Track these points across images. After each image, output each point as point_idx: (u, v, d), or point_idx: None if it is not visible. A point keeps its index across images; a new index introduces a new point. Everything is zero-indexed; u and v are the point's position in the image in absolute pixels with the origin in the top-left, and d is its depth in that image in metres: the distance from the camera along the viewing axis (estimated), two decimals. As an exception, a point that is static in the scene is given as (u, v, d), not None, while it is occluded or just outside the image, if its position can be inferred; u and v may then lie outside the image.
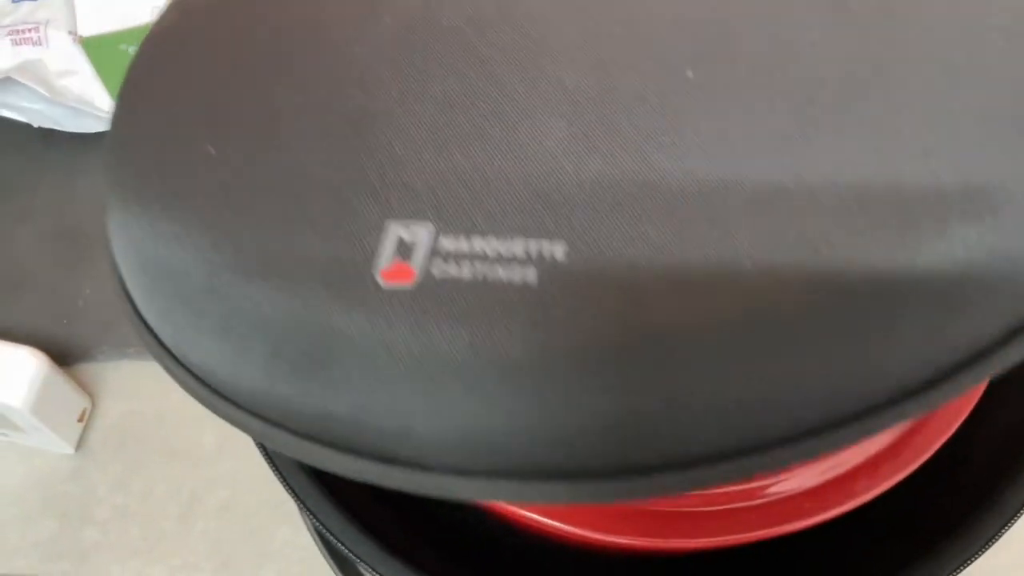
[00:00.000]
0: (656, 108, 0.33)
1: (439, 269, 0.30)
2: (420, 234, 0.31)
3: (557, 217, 0.31)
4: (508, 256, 0.30)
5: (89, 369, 0.59)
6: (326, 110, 0.35)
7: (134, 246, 0.35)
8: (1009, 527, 0.40)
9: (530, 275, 0.30)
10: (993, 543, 0.40)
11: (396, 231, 0.31)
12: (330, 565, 0.51)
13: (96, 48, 0.55)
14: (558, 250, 0.30)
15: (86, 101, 0.60)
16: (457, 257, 0.31)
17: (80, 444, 0.57)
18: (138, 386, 0.58)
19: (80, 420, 0.57)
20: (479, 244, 0.31)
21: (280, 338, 0.32)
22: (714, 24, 0.36)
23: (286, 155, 0.34)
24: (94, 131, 0.62)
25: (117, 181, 0.36)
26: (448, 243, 0.31)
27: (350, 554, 0.43)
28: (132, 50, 0.55)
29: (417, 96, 0.34)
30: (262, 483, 0.56)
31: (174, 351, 0.34)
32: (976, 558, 0.40)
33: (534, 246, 0.30)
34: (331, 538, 0.43)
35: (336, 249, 0.31)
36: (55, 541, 0.56)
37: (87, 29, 0.54)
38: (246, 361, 0.32)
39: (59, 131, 0.62)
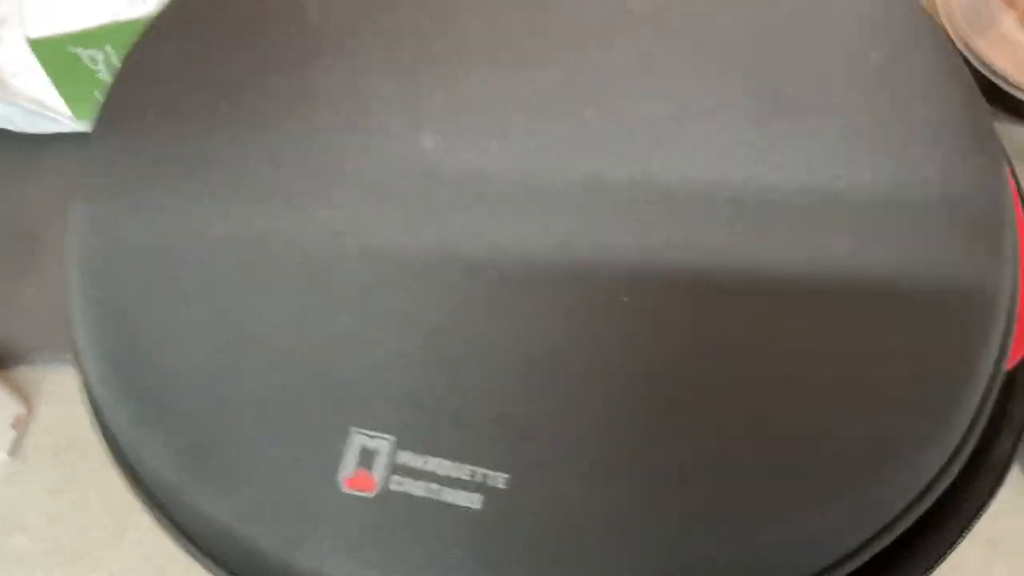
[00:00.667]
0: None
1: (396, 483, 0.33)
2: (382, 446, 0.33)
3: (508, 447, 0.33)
4: (456, 479, 0.32)
5: (26, 373, 0.58)
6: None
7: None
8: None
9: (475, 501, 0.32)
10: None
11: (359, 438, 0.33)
12: None
13: (45, 50, 0.54)
14: (500, 480, 0.32)
15: (39, 101, 0.59)
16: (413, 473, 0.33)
17: (14, 450, 0.56)
18: (76, 392, 0.57)
19: (14, 426, 0.56)
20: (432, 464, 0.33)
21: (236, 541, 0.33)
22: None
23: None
24: (48, 132, 0.61)
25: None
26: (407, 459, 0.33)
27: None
28: (82, 52, 0.55)
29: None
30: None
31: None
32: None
33: (480, 473, 0.33)
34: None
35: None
36: (-18, 547, 0.55)
37: (36, 31, 0.54)
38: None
39: (12, 131, 0.61)
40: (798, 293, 0.34)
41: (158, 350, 0.35)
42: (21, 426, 0.56)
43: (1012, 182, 0.44)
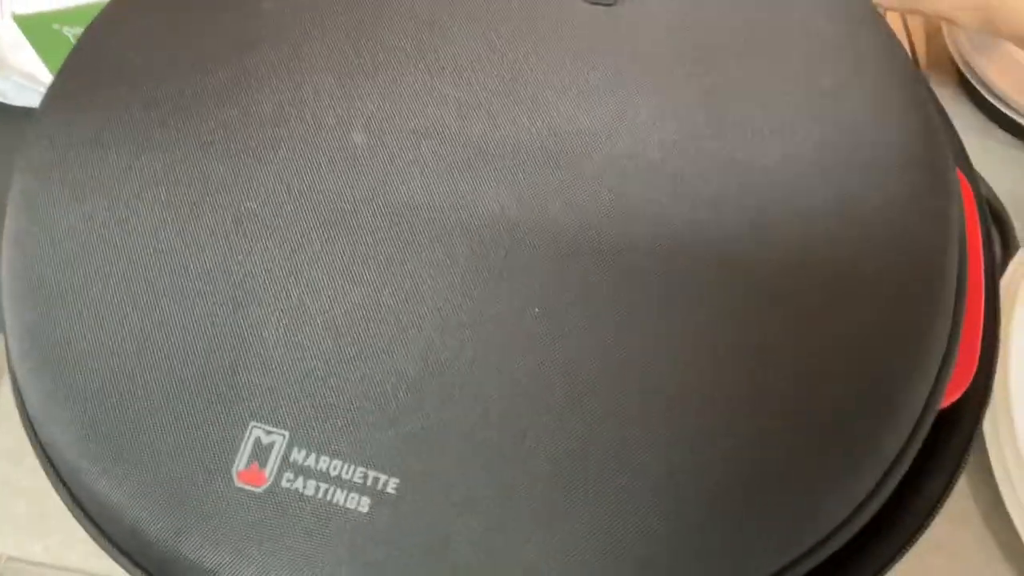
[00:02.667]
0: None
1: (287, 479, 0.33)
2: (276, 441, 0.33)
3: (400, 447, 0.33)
4: (347, 481, 0.32)
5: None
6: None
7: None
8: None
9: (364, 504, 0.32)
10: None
11: (256, 433, 0.33)
12: None
13: (30, 26, 0.55)
14: (391, 486, 0.32)
15: (31, 75, 0.60)
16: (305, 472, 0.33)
17: (-21, 414, 0.57)
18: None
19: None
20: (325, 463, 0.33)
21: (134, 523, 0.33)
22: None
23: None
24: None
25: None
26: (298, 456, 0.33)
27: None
28: (67, 31, 0.56)
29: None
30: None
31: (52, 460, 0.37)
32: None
33: (372, 477, 0.32)
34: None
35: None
36: (-63, 509, 0.56)
37: (21, 7, 0.54)
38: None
39: (4, 103, 0.62)
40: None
41: (75, 328, 0.35)
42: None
43: (973, 207, 0.43)
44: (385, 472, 0.32)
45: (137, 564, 0.35)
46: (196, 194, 0.37)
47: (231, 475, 0.33)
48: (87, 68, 0.40)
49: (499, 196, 0.35)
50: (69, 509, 0.36)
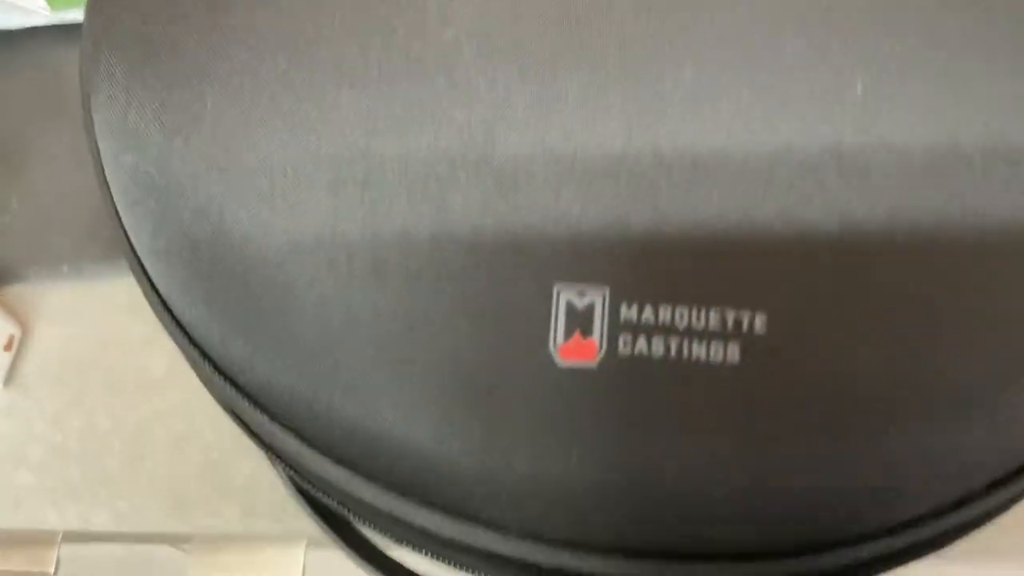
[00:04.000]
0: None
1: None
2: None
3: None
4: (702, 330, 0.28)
5: (18, 292, 0.52)
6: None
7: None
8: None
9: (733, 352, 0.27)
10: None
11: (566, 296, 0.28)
12: (305, 509, 0.46)
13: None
14: (758, 323, 0.27)
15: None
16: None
17: (10, 377, 0.51)
18: (76, 309, 0.52)
19: (7, 348, 0.50)
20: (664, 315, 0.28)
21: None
22: None
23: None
24: (20, 27, 0.55)
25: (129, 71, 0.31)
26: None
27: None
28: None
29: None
30: (221, 413, 0.50)
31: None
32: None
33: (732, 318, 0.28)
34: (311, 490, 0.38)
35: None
36: (-18, 485, 0.49)
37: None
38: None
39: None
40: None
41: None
42: (14, 348, 0.50)
43: None
44: (747, 307, 0.28)
45: (428, 503, 0.30)
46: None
47: (550, 354, 0.28)
48: None
49: None
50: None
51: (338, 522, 0.45)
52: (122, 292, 0.52)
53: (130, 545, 0.51)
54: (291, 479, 0.42)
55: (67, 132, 0.54)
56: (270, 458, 0.37)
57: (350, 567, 0.59)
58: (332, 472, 0.31)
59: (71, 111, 0.55)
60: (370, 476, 0.30)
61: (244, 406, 0.31)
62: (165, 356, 0.51)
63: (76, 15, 0.54)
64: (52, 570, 0.54)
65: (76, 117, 0.53)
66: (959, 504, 0.31)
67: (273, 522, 0.48)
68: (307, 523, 0.48)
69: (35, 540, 0.53)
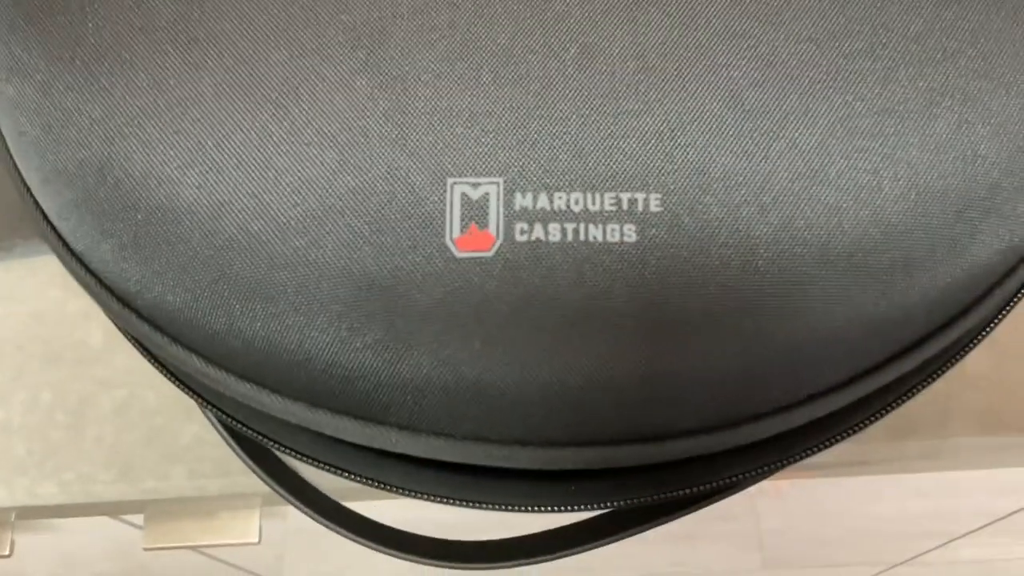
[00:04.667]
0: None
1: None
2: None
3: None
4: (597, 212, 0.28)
5: (-52, 274, 0.52)
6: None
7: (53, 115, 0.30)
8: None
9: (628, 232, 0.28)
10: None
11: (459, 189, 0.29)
12: (243, 459, 0.46)
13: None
14: (653, 202, 0.28)
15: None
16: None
17: (-54, 358, 0.51)
18: (10, 287, 0.52)
19: (-58, 329, 0.50)
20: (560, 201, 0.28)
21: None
22: None
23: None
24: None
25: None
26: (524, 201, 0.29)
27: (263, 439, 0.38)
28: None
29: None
30: (161, 377, 0.50)
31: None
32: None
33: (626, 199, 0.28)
34: (242, 428, 0.38)
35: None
36: (-74, 468, 0.49)
37: None
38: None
39: None
40: None
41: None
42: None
43: None
44: (640, 189, 0.28)
45: (337, 409, 0.31)
46: None
47: (447, 246, 0.29)
48: None
49: None
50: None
51: (272, 464, 0.45)
52: (55, 267, 0.52)
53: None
54: (218, 419, 0.42)
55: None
56: (194, 399, 0.37)
57: (306, 525, 0.59)
58: (238, 388, 0.31)
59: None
60: (276, 388, 0.31)
61: (144, 330, 0.31)
62: (101, 328, 0.51)
63: None
64: (8, 551, 0.54)
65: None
66: (861, 376, 0.31)
67: (221, 481, 0.48)
68: (255, 480, 0.48)
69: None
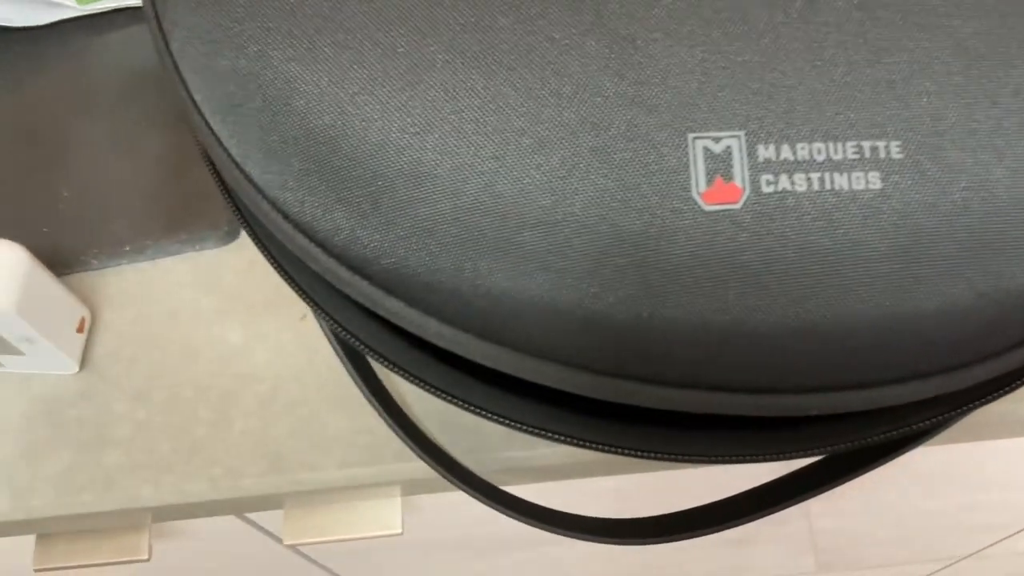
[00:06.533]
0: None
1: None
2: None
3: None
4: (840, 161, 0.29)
5: (83, 278, 0.53)
6: None
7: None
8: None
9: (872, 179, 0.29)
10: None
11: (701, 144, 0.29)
12: (360, 387, 0.46)
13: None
14: (894, 149, 0.29)
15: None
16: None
17: (85, 361, 0.51)
18: (143, 288, 0.52)
19: (79, 330, 0.50)
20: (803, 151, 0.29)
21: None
22: None
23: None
24: (46, 22, 0.55)
25: None
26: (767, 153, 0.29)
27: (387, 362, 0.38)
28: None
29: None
30: (304, 368, 0.50)
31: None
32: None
33: (868, 147, 0.29)
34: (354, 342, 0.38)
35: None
36: (72, 472, 0.49)
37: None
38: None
39: (7, 28, 0.55)
40: None
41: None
42: (86, 330, 0.51)
43: None
44: (880, 138, 0.29)
45: (576, 365, 0.31)
46: None
47: (694, 199, 0.29)
48: None
49: None
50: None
51: (428, 445, 0.45)
52: (185, 267, 0.52)
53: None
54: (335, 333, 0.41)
55: (100, 121, 0.54)
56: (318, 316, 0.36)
57: (444, 508, 0.60)
58: (477, 348, 0.31)
59: (102, 101, 0.55)
60: (516, 346, 0.31)
61: (378, 296, 0.31)
62: (239, 323, 0.51)
63: (101, 5, 0.55)
64: (147, 555, 0.54)
65: (108, 106, 0.54)
66: None
67: (372, 468, 0.48)
68: (403, 466, 0.48)
69: (126, 526, 0.54)
